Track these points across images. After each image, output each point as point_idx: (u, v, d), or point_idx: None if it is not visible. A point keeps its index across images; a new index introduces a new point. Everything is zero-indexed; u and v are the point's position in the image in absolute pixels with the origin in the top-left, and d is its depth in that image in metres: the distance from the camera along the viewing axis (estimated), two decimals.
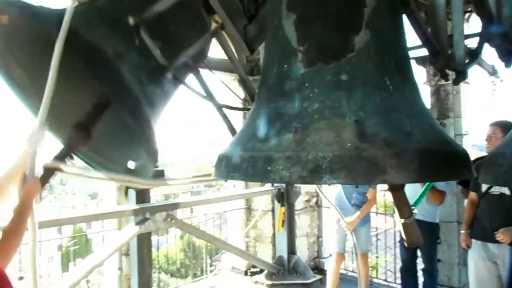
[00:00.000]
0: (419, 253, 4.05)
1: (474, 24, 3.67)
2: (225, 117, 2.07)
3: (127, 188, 3.52)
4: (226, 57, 2.21)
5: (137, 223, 3.05)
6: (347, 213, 4.00)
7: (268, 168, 1.13)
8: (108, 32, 1.70)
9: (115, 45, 1.68)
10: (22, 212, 1.47)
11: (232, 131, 2.07)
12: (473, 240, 3.41)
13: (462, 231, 3.58)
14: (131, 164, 1.96)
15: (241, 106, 3.68)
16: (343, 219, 3.86)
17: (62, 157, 1.72)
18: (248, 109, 2.21)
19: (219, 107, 2.05)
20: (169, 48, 1.86)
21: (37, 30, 1.62)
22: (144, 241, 3.27)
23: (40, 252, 4.32)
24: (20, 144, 1.56)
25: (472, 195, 3.46)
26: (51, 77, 1.54)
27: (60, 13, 1.52)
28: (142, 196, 3.28)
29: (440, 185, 3.75)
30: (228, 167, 1.29)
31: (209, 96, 1.98)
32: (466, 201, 3.73)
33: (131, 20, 1.64)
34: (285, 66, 1.35)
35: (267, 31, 1.57)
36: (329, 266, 4.42)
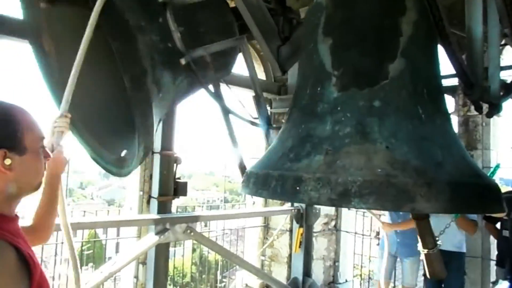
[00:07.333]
0: None
1: (507, 57, 3.63)
2: (228, 124, 2.04)
3: (149, 196, 3.57)
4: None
5: (157, 233, 3.08)
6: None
7: (297, 188, 1.15)
8: (135, 5, 1.72)
9: (138, 18, 1.69)
10: (52, 184, 1.44)
11: (234, 141, 2.03)
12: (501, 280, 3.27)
13: None
14: (124, 153, 1.92)
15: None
16: (379, 220, 3.95)
17: None
18: (256, 124, 2.19)
19: (226, 113, 2.03)
20: (191, 38, 1.82)
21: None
22: (162, 251, 3.29)
23: (60, 252, 4.42)
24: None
25: None
26: (82, 48, 1.53)
27: None
28: (164, 206, 3.32)
29: (470, 215, 3.66)
30: (256, 184, 1.31)
31: (220, 98, 1.95)
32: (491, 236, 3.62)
33: None
34: (319, 89, 1.38)
35: (302, 54, 1.60)
36: None
